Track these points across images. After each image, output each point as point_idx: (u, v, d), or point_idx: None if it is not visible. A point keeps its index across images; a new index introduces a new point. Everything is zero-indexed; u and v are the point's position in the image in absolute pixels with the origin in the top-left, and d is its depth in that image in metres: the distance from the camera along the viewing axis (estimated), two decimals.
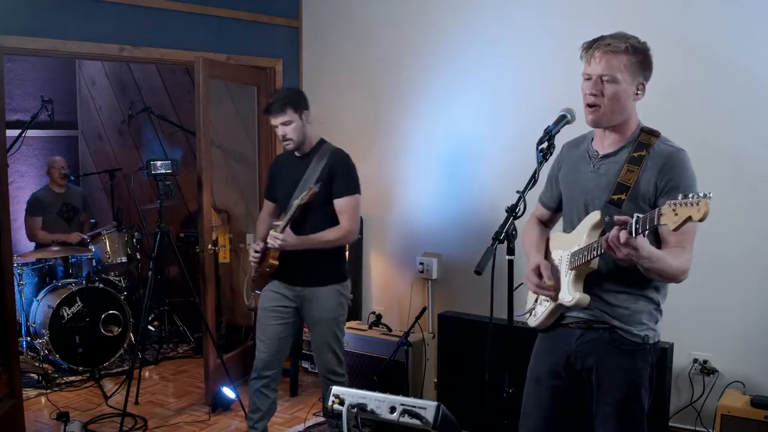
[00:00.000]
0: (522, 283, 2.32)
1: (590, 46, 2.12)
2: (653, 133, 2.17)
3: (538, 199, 2.51)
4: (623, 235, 1.86)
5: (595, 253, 2.03)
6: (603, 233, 2.08)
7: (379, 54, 4.60)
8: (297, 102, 3.23)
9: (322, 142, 3.34)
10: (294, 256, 3.20)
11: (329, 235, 3.18)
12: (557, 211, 2.43)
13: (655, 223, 1.78)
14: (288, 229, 3.14)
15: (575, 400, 2.26)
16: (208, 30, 4.47)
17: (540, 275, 2.21)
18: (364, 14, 4.66)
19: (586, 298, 2.12)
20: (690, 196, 1.70)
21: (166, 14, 4.25)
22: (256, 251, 3.33)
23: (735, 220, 3.35)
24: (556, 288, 2.19)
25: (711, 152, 3.40)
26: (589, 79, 2.12)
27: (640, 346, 2.14)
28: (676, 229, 1.73)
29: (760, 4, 3.26)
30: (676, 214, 1.72)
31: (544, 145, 2.03)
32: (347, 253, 3.59)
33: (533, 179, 1.99)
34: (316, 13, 4.91)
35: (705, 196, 1.67)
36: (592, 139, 2.28)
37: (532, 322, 2.33)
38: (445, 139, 4.34)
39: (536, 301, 2.33)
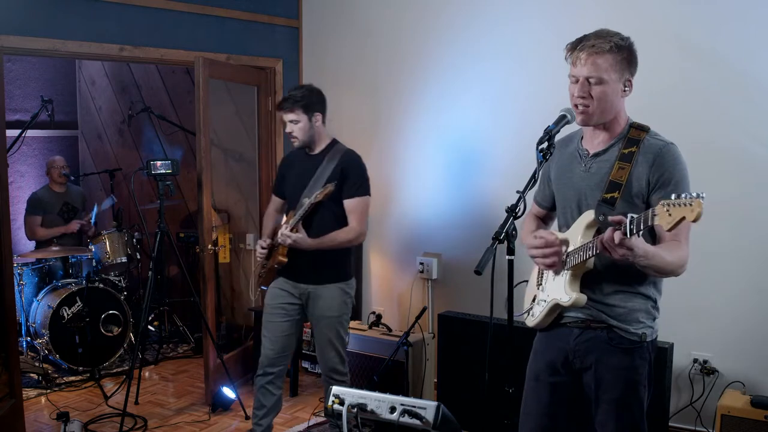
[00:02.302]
0: (522, 281, 2.32)
1: (575, 48, 2.12)
2: (642, 129, 2.16)
3: (533, 197, 2.51)
4: (617, 235, 1.86)
5: (590, 253, 2.03)
6: (598, 232, 2.09)
7: (379, 54, 4.60)
8: (309, 104, 3.26)
9: (334, 142, 3.37)
10: (301, 254, 3.22)
11: (341, 236, 3.21)
12: (552, 209, 2.44)
13: (650, 224, 1.78)
14: (301, 228, 3.17)
15: (574, 399, 2.26)
16: (208, 30, 4.47)
17: (543, 242, 2.16)
18: (364, 14, 4.66)
19: (583, 298, 2.12)
20: (683, 196, 1.68)
21: (166, 14, 4.25)
22: (263, 247, 3.35)
23: (735, 219, 3.35)
24: (558, 259, 2.16)
25: (711, 152, 3.40)
26: (576, 81, 2.12)
27: (637, 344, 2.14)
28: (670, 230, 1.72)
29: (760, 4, 3.26)
30: (669, 215, 1.70)
31: (544, 145, 2.02)
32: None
33: (533, 179, 1.98)
34: (316, 13, 4.91)
35: (698, 196, 1.66)
36: (582, 137, 2.27)
37: (530, 322, 2.33)
38: (446, 139, 4.34)
39: (533, 301, 2.33)
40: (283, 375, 3.41)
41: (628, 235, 1.85)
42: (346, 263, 3.37)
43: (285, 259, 3.25)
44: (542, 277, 2.30)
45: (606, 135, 2.18)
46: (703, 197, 1.66)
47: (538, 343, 2.35)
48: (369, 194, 3.30)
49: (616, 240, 1.86)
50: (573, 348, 2.21)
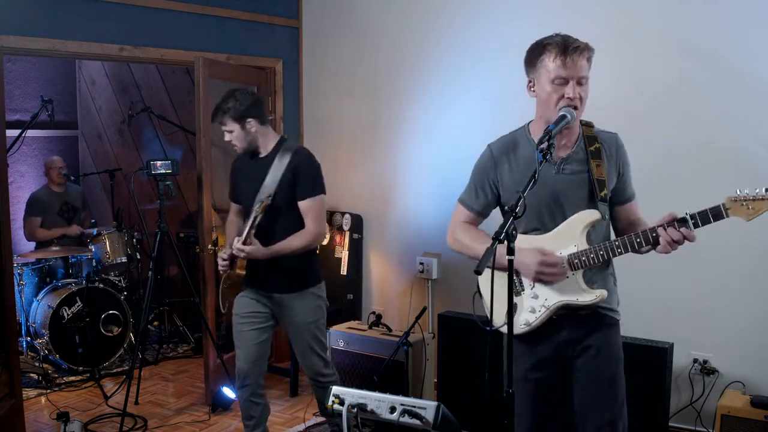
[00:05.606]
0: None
1: (566, 50, 2.13)
2: (589, 125, 2.28)
3: (460, 204, 2.48)
4: (687, 232, 2.03)
5: (624, 250, 2.13)
6: (589, 231, 2.19)
7: (379, 54, 4.60)
8: (238, 113, 3.12)
9: (282, 140, 3.25)
10: (264, 264, 3.12)
11: (296, 242, 3.10)
12: (485, 217, 2.46)
13: (723, 218, 1.99)
14: (254, 239, 3.06)
15: (560, 394, 2.31)
16: (208, 30, 4.47)
17: (552, 264, 2.19)
18: (364, 14, 4.66)
19: (605, 292, 2.20)
20: (756, 191, 1.93)
21: (166, 14, 4.25)
22: (224, 259, 3.23)
23: (734, 219, 3.34)
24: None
25: (711, 152, 3.40)
26: (565, 82, 2.14)
27: (617, 322, 2.32)
28: (749, 220, 1.96)
29: (760, 4, 3.26)
30: (749, 208, 1.95)
31: (544, 145, 2.02)
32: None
33: (533, 179, 1.98)
34: (316, 13, 4.91)
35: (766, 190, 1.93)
36: (531, 140, 2.29)
37: (522, 329, 2.29)
38: (446, 139, 4.34)
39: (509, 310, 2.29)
40: (261, 383, 3.30)
41: (693, 229, 2.03)
42: (313, 267, 3.26)
43: (243, 272, 3.16)
44: (521, 285, 2.29)
45: (571, 136, 2.25)
46: None
47: (519, 346, 2.31)
48: (323, 192, 3.18)
49: (690, 238, 2.04)
50: (567, 338, 2.26)
